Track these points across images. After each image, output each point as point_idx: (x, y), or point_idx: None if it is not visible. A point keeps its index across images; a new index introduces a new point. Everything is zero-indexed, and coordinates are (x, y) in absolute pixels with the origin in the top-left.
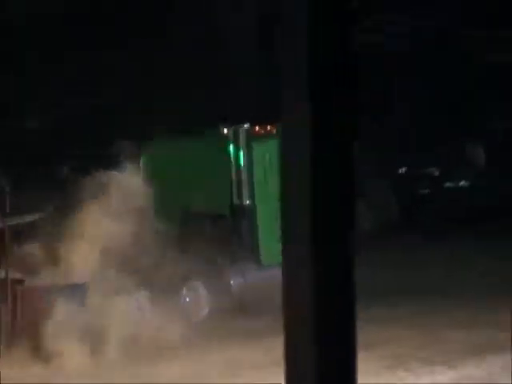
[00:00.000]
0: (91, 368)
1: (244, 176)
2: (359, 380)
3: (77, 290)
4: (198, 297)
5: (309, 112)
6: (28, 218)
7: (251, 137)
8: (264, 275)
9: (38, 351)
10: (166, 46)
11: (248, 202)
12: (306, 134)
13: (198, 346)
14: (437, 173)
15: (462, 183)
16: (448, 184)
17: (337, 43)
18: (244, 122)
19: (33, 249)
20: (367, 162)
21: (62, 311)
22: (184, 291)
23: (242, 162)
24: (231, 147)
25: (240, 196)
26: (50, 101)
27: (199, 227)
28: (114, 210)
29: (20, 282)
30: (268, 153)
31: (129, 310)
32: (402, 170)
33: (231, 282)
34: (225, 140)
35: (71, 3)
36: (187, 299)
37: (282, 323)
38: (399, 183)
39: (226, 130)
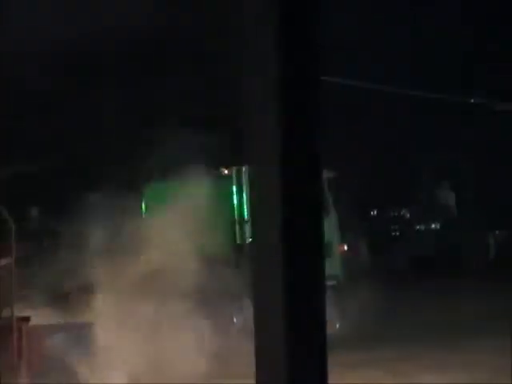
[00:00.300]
0: None
1: (246, 215)
2: None
3: (83, 330)
4: (202, 336)
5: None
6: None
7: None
8: None
9: None
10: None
11: (250, 240)
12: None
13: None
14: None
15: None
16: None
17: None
18: (245, 163)
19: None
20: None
21: (67, 351)
22: (186, 330)
23: (244, 202)
24: (233, 188)
25: (242, 236)
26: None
27: (203, 269)
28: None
29: (25, 319)
30: None
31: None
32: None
33: (234, 319)
34: (226, 181)
35: None
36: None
37: None
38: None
39: (226, 171)
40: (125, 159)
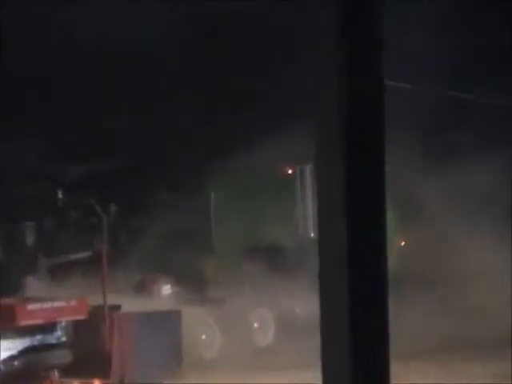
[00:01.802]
0: None
1: (309, 211)
2: None
3: (172, 317)
4: (265, 324)
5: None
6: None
7: (315, 174)
8: None
9: (132, 376)
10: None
11: (313, 235)
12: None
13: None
14: None
15: None
16: None
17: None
18: (308, 162)
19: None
20: None
21: (156, 337)
22: (252, 319)
23: (307, 199)
24: (297, 185)
25: (306, 230)
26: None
27: (268, 260)
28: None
29: (117, 308)
30: None
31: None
32: None
33: (297, 310)
34: (291, 179)
35: None
36: (255, 325)
37: None
38: None
39: (290, 171)
40: (200, 160)
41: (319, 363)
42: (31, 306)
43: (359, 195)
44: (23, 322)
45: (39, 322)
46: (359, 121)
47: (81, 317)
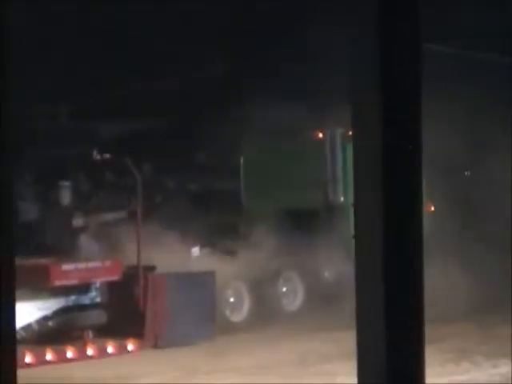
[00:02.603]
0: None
1: (339, 175)
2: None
3: (207, 278)
4: (294, 287)
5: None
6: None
7: (345, 139)
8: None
9: (165, 338)
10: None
11: (342, 199)
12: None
13: (285, 334)
14: None
15: None
16: None
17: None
18: (338, 127)
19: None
20: None
21: (191, 299)
22: (281, 281)
23: (337, 163)
24: (326, 149)
25: (335, 194)
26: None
27: (296, 223)
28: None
29: (151, 268)
30: None
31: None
32: None
33: (325, 273)
34: (321, 143)
35: None
36: (284, 289)
37: None
38: None
39: (321, 135)
40: (229, 122)
41: (349, 326)
42: (66, 267)
43: (396, 160)
44: (58, 282)
45: (73, 282)
46: (396, 85)
47: (115, 277)
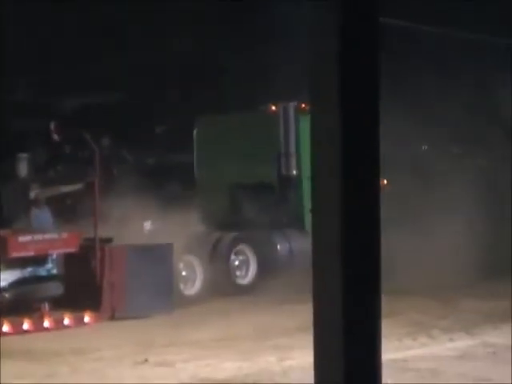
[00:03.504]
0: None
1: (292, 149)
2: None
3: (164, 250)
4: (247, 261)
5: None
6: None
7: (298, 112)
8: (308, 241)
9: (122, 310)
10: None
11: (295, 172)
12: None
13: (239, 307)
14: None
15: None
16: None
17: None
18: (292, 100)
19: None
20: None
21: (147, 271)
22: (234, 255)
23: (290, 136)
24: (280, 122)
25: (288, 167)
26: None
27: (249, 197)
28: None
29: (108, 240)
30: None
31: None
32: None
33: (278, 246)
34: (274, 116)
35: None
36: (237, 263)
37: None
38: None
39: (274, 108)
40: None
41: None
42: (23, 238)
43: (354, 134)
44: (14, 254)
45: (30, 254)
46: (355, 58)
47: (72, 249)
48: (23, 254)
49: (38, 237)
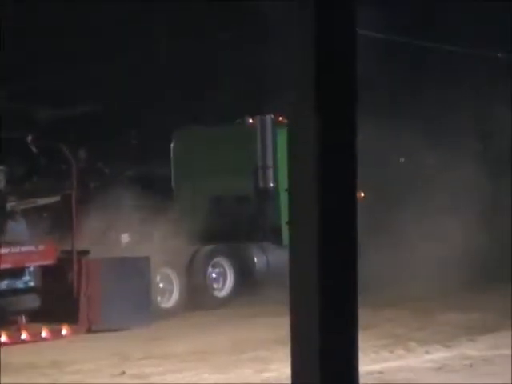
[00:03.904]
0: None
1: (269, 161)
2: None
3: (141, 263)
4: (224, 273)
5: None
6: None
7: (275, 125)
8: (284, 254)
9: (99, 323)
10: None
11: (272, 185)
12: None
13: (216, 320)
14: None
15: None
16: None
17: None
18: (269, 113)
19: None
20: None
21: (124, 283)
22: (211, 268)
23: (267, 149)
24: (257, 135)
25: (265, 180)
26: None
27: (226, 210)
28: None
29: (85, 253)
30: None
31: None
32: None
33: (255, 259)
34: (251, 128)
35: None
36: (214, 275)
37: None
38: None
39: (251, 120)
40: (161, 110)
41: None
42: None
43: (331, 148)
44: None
45: (7, 266)
46: (331, 72)
47: (49, 262)
48: (0, 266)
49: (15, 249)
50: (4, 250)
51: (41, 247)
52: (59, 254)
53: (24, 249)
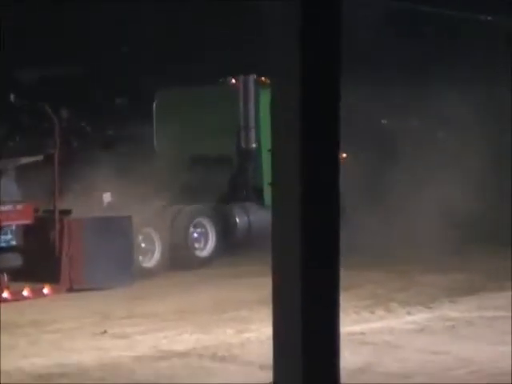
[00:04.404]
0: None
1: (251, 122)
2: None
3: (123, 222)
4: (205, 234)
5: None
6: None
7: (258, 86)
8: (266, 214)
9: (81, 282)
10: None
11: (255, 145)
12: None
13: (198, 280)
14: None
15: None
16: None
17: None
18: (252, 73)
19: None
20: None
21: (106, 243)
22: (192, 228)
23: (249, 109)
24: (240, 95)
25: (247, 140)
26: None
27: (208, 170)
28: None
29: (67, 212)
30: None
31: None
32: None
33: (237, 219)
34: (234, 89)
35: None
36: (195, 235)
37: None
38: None
39: (234, 80)
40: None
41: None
42: None
43: (315, 108)
44: None
45: None
46: (315, 32)
47: (27, 221)
48: None
49: None
50: None
51: (18, 207)
52: (41, 214)
53: (1, 208)
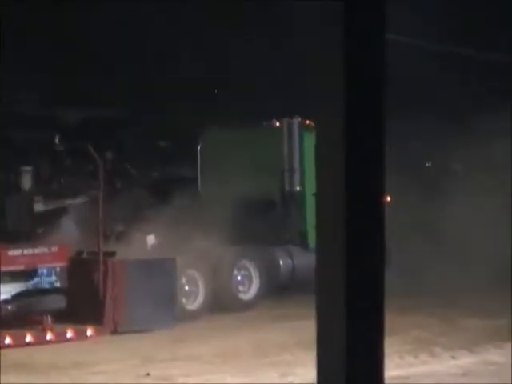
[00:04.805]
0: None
1: (296, 164)
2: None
3: (167, 264)
4: (249, 276)
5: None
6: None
7: (302, 128)
8: (310, 258)
9: (124, 324)
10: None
11: (298, 188)
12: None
13: (241, 323)
14: None
15: None
16: None
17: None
18: (296, 116)
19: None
20: None
21: (150, 285)
22: (236, 270)
23: (294, 151)
24: (284, 138)
25: (291, 183)
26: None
27: (252, 212)
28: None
29: (111, 254)
30: None
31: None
32: None
33: (280, 262)
34: (278, 131)
35: None
36: (239, 278)
37: None
38: None
39: (278, 123)
40: (188, 112)
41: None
42: (12, 252)
43: (359, 151)
44: (3, 268)
45: (20, 267)
46: (359, 76)
47: (61, 264)
48: (12, 267)
49: (28, 251)
50: (17, 252)
51: (53, 249)
52: (85, 255)
53: (37, 250)
